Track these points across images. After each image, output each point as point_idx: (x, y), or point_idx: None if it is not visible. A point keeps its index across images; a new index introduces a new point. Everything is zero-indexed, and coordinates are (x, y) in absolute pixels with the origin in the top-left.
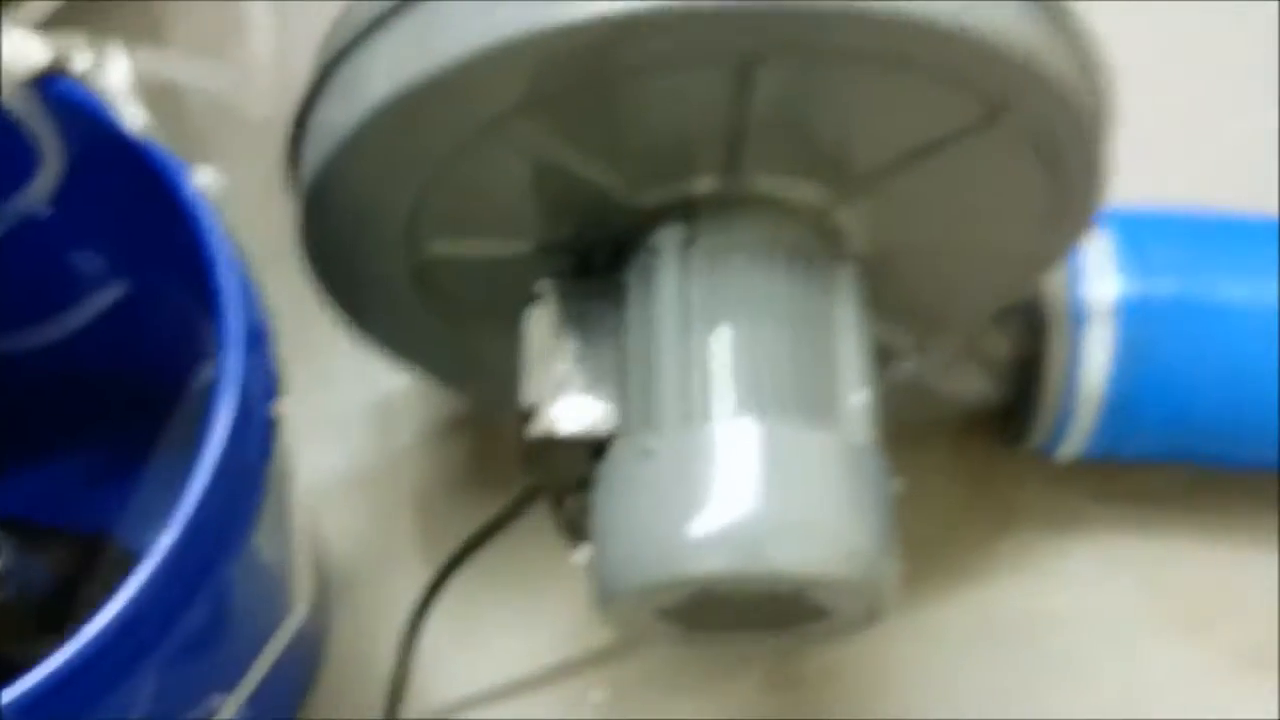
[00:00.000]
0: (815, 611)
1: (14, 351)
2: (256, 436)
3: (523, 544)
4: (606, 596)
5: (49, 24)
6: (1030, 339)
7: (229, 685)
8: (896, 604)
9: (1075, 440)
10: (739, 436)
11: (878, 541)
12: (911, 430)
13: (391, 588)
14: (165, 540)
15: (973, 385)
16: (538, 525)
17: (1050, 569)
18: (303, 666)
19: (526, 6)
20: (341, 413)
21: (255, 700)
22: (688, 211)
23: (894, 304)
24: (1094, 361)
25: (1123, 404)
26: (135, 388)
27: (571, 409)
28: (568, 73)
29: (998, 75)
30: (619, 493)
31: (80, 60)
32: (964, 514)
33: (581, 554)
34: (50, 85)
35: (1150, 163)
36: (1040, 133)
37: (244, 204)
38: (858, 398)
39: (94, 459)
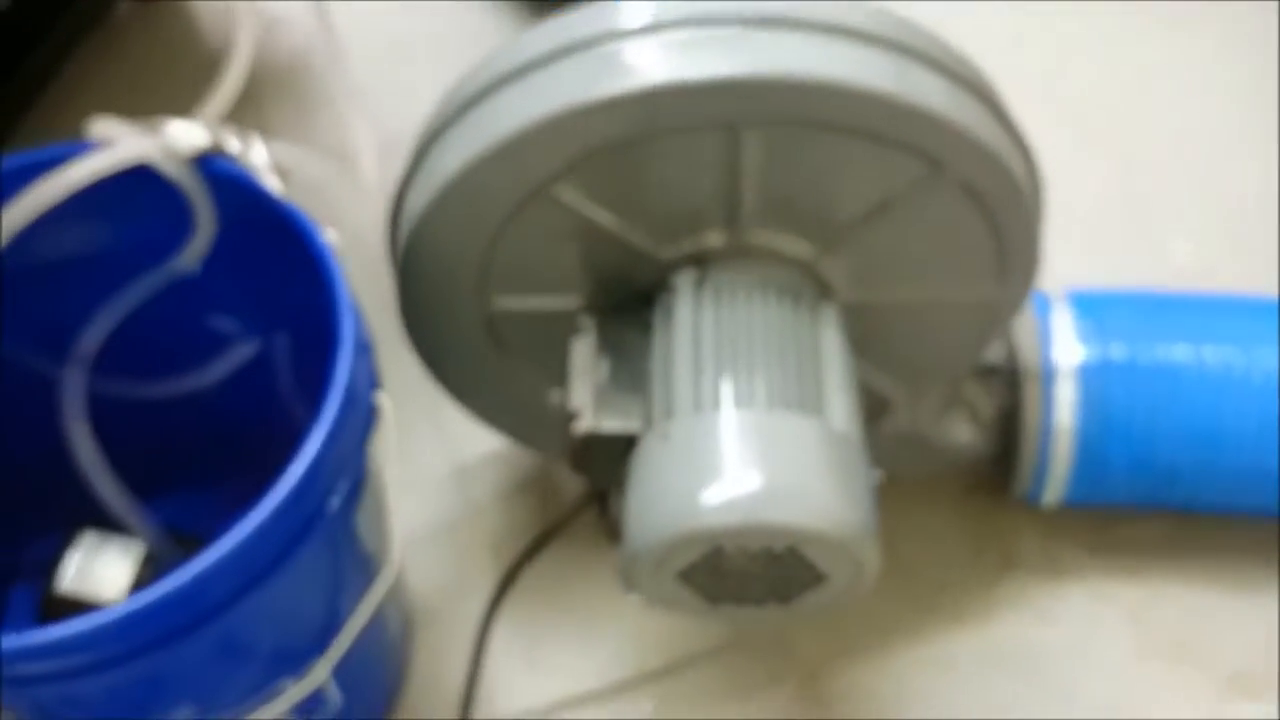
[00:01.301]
0: (812, 576)
1: (162, 398)
2: (362, 415)
3: (578, 578)
4: (633, 557)
5: None
6: (1010, 397)
7: (325, 640)
8: (877, 575)
9: (1055, 486)
10: (740, 421)
11: (857, 509)
12: (922, 487)
13: (467, 622)
14: (293, 471)
15: (964, 436)
16: (592, 561)
17: (1046, 608)
18: (386, 674)
19: (557, 95)
20: (427, 475)
21: (345, 682)
22: (699, 260)
23: (884, 356)
24: (1062, 414)
25: (1090, 452)
26: (267, 426)
27: (607, 410)
28: (593, 141)
29: (930, 135)
30: (644, 471)
31: (232, 143)
32: (970, 559)
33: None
34: (208, 164)
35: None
36: (974, 186)
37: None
38: (841, 400)
39: (232, 485)
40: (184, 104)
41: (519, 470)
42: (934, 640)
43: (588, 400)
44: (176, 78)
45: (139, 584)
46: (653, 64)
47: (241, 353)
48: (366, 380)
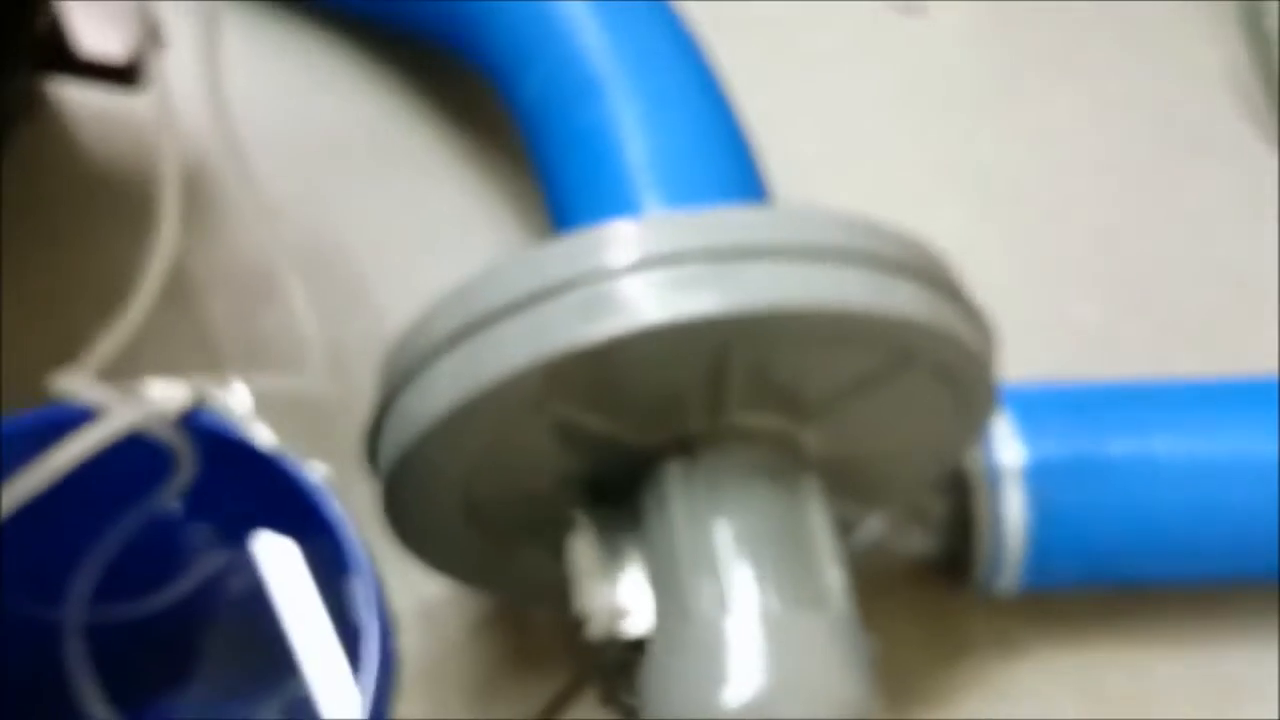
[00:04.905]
0: None
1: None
2: (389, 670)
3: None
4: None
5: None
6: (960, 500)
7: None
8: None
9: (1007, 578)
10: (747, 626)
11: (859, 691)
12: (875, 581)
13: None
14: None
15: (918, 544)
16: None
17: (999, 686)
18: None
19: (549, 337)
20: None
21: None
22: (683, 443)
23: (848, 488)
24: (1012, 515)
25: (1040, 545)
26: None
27: (619, 614)
28: (581, 373)
29: (903, 335)
30: (658, 676)
31: (214, 394)
32: (924, 646)
33: None
34: (192, 416)
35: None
36: (939, 369)
37: None
38: (834, 577)
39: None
40: (90, 225)
41: (485, 604)
42: None
43: (596, 606)
44: (74, 199)
45: None
46: (641, 305)
47: (214, 562)
48: (389, 630)
